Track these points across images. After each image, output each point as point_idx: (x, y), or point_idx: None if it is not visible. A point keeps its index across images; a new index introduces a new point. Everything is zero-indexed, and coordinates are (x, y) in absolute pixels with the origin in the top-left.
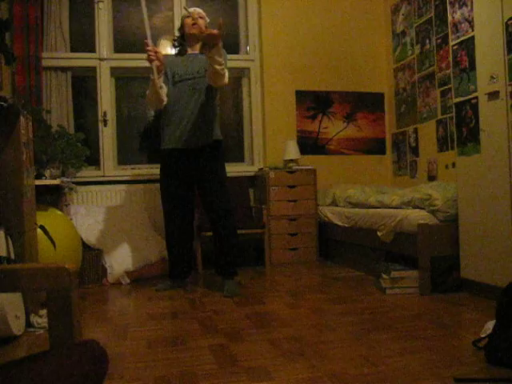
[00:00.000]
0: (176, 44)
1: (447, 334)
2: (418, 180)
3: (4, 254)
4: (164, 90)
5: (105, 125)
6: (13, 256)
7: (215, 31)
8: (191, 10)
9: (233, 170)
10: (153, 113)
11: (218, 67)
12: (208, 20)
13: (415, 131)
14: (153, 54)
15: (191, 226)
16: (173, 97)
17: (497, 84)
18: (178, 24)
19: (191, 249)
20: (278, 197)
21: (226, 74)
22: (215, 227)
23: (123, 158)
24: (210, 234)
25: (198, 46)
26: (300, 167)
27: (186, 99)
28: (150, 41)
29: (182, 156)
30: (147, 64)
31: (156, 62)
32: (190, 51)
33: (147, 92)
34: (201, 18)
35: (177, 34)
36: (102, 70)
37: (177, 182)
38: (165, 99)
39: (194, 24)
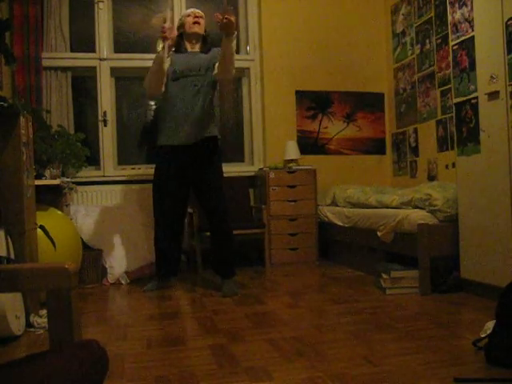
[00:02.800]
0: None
1: (447, 334)
2: (418, 180)
3: (4, 254)
4: (165, 73)
5: (105, 125)
6: (13, 256)
7: (233, 19)
8: (190, 10)
9: (233, 170)
10: (152, 103)
11: (232, 56)
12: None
13: (415, 131)
14: (168, 31)
15: (182, 225)
16: (172, 92)
17: (497, 84)
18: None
19: (180, 248)
20: (278, 197)
21: (234, 65)
22: (214, 228)
23: (123, 158)
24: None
25: (198, 45)
26: (300, 167)
27: (186, 95)
28: (169, 15)
29: (180, 153)
30: (147, 64)
31: (169, 41)
32: (189, 49)
33: (147, 76)
34: (201, 18)
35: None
36: (102, 70)
37: (172, 180)
38: (163, 87)
39: (195, 23)
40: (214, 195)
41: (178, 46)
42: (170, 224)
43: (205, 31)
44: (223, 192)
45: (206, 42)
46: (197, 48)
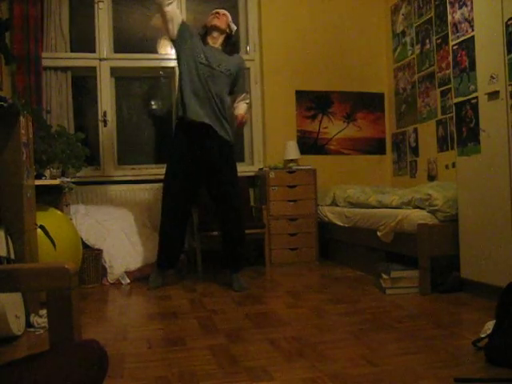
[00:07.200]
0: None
1: (447, 334)
2: (418, 180)
3: (4, 254)
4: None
5: (105, 125)
6: (13, 256)
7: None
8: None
9: None
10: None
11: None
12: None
13: (415, 131)
14: None
15: (189, 212)
16: (194, 70)
17: (497, 84)
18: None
19: (183, 238)
20: (278, 197)
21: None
22: (227, 221)
23: (123, 158)
24: (210, 233)
25: (219, 41)
26: (300, 167)
27: (207, 83)
28: None
29: (195, 130)
30: (147, 64)
31: None
32: (210, 43)
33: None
34: (223, 15)
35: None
36: (102, 70)
37: (185, 161)
38: (175, 30)
39: (215, 17)
40: (231, 188)
41: (202, 40)
42: (177, 209)
43: (229, 30)
44: (239, 190)
45: (230, 40)
46: (218, 44)
